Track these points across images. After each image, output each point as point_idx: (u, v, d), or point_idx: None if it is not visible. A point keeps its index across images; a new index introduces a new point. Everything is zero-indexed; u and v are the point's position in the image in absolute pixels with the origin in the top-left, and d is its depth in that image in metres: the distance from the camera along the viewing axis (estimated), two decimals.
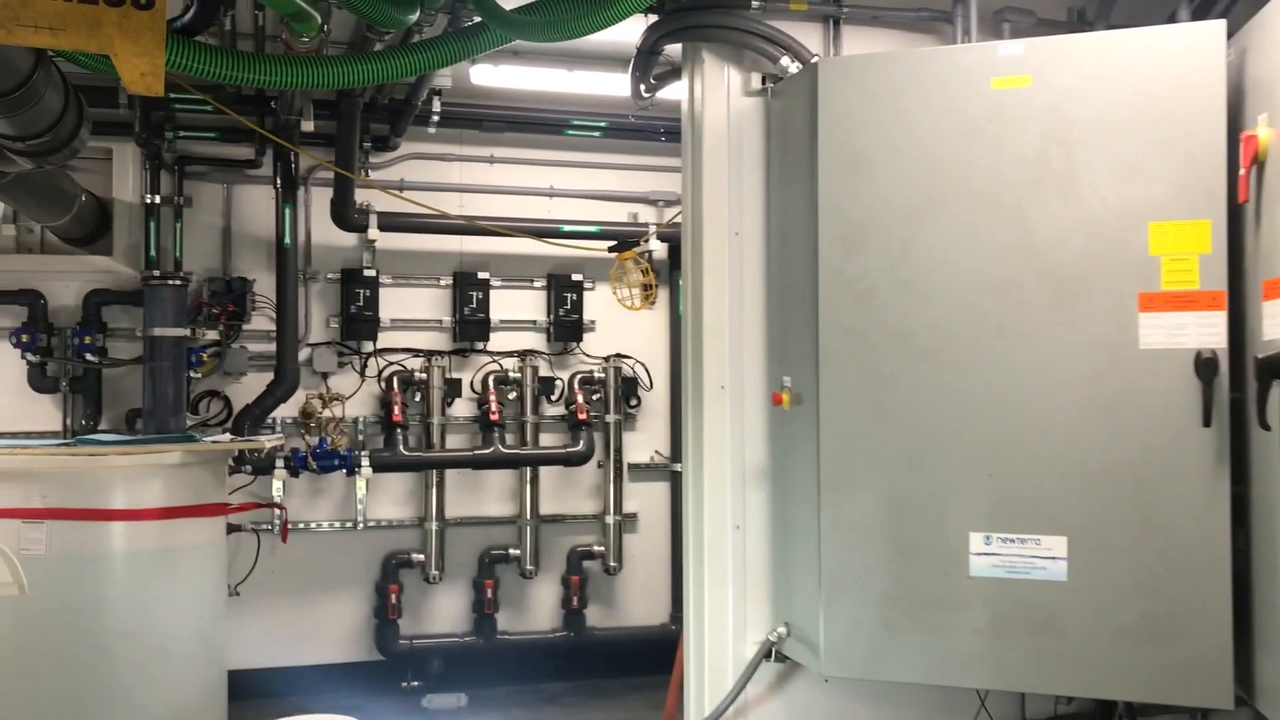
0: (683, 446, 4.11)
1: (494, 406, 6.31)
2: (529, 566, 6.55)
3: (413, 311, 6.49)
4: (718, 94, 3.92)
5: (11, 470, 4.87)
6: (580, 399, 6.49)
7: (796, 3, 3.88)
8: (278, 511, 6.05)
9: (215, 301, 6.09)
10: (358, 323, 6.27)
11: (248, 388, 6.16)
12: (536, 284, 6.67)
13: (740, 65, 3.91)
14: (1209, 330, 3.15)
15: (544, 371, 6.64)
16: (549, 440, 6.63)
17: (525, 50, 5.49)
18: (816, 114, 3.53)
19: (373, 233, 6.10)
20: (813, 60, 3.70)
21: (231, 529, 5.66)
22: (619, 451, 6.69)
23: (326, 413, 6.20)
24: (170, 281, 5.75)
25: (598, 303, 6.68)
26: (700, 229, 3.94)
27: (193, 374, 6.00)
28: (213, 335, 6.07)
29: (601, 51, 5.43)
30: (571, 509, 6.75)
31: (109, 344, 6.02)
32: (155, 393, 5.75)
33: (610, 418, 6.65)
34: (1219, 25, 3.18)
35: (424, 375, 6.38)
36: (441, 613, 6.54)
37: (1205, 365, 3.13)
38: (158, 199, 5.99)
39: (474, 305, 6.43)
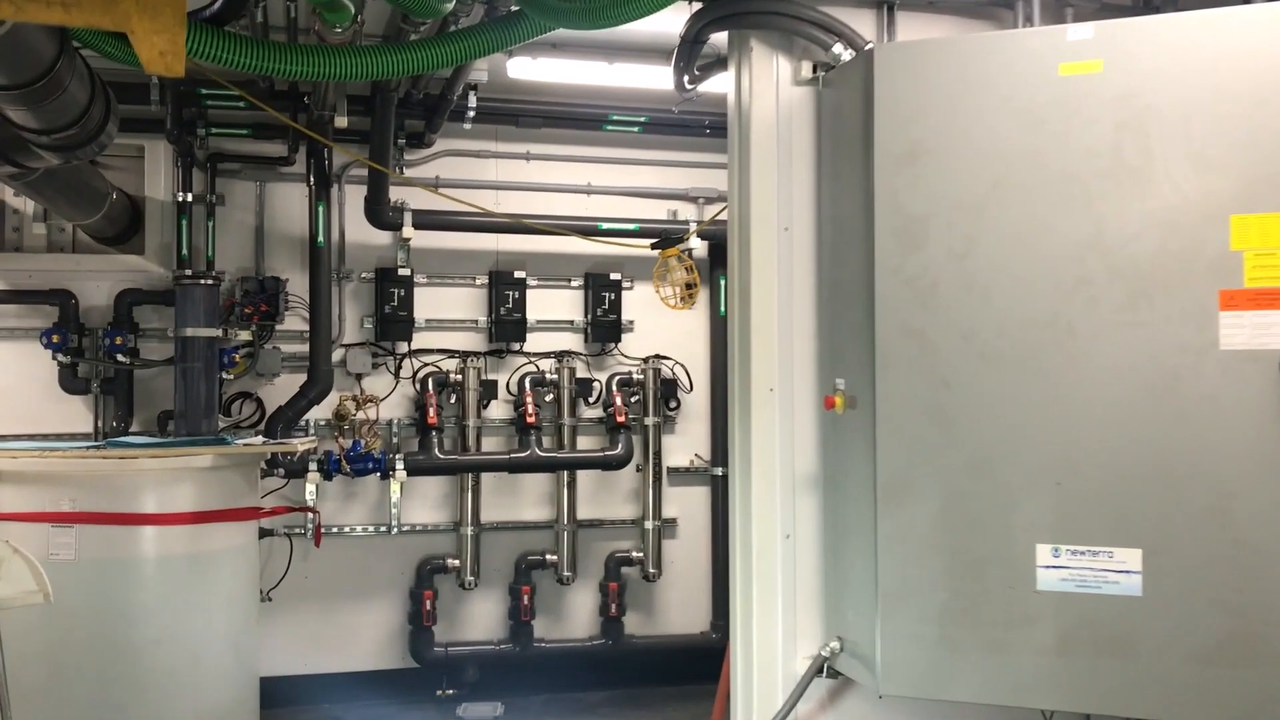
0: (729, 452, 3.94)
1: (530, 409, 6.16)
2: (566, 573, 6.40)
3: (448, 311, 6.36)
4: (766, 83, 3.76)
5: (40, 473, 4.78)
6: (618, 401, 6.33)
7: None
8: (310, 515, 5.94)
9: (248, 301, 5.98)
10: (392, 323, 6.14)
11: (281, 389, 6.05)
12: (574, 283, 6.52)
13: (790, 53, 3.75)
14: None
15: (581, 373, 6.49)
16: (586, 443, 6.48)
17: (564, 42, 5.33)
18: (872, 103, 3.36)
19: (407, 231, 5.97)
20: (867, 47, 3.53)
21: (264, 533, 5.55)
22: (658, 455, 6.53)
23: (360, 415, 6.07)
24: (202, 281, 5.64)
25: (636, 302, 6.52)
26: (748, 225, 3.77)
27: (225, 375, 5.90)
28: (245, 336, 5.97)
29: (643, 43, 5.27)
30: (609, 514, 6.59)
31: (140, 344, 5.93)
32: (187, 394, 5.65)
33: (649, 420, 6.49)
34: None
35: (459, 377, 6.24)
36: (477, 619, 6.41)
37: None
38: (190, 197, 5.88)
39: (510, 305, 6.29)
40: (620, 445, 6.29)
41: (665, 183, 6.59)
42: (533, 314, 6.39)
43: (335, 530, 6.19)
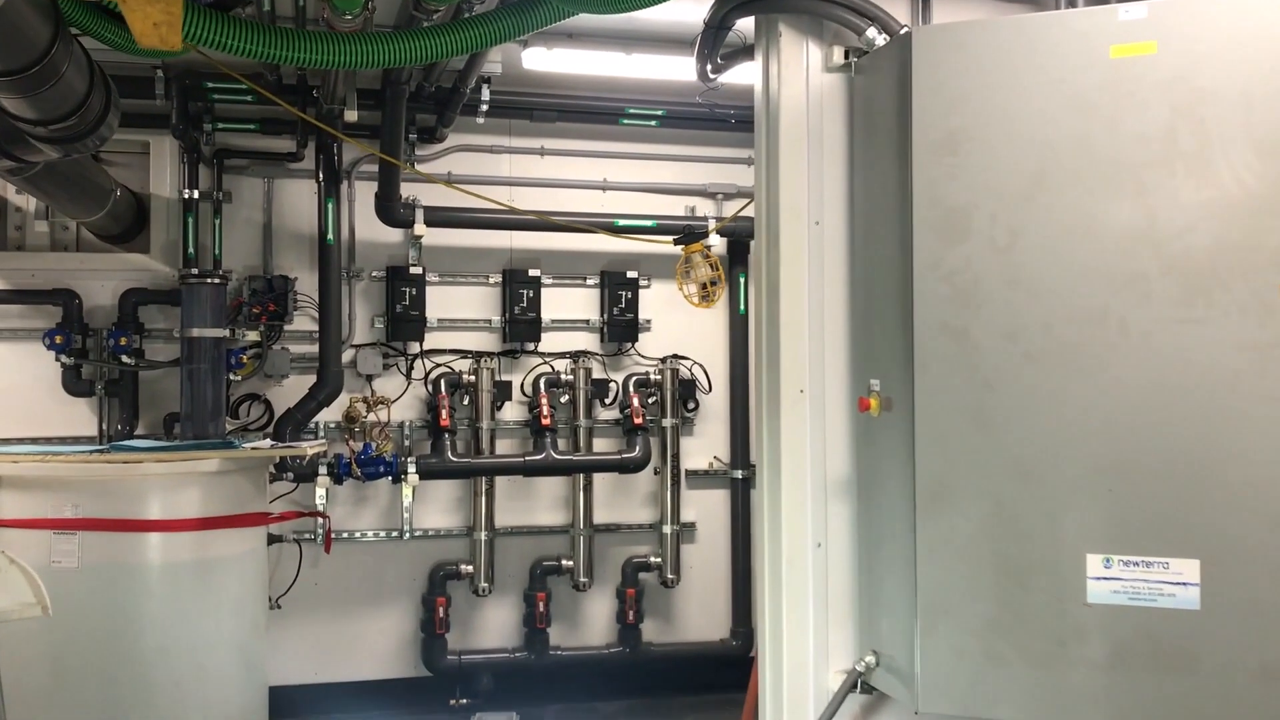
0: (757, 456, 3.78)
1: (545, 410, 6.00)
2: (582, 578, 6.24)
3: (460, 311, 6.20)
4: (795, 70, 3.58)
5: (42, 478, 4.64)
6: (635, 402, 6.16)
7: None
8: (321, 520, 5.79)
9: (255, 301, 5.83)
10: (403, 323, 5.99)
11: (290, 391, 5.90)
12: (589, 281, 6.36)
13: (820, 39, 3.57)
14: None
15: (597, 373, 6.33)
16: (603, 446, 6.32)
17: (580, 31, 5.17)
18: (910, 89, 3.19)
19: (419, 228, 5.81)
20: (903, 31, 3.35)
21: (272, 539, 5.39)
22: (676, 457, 6.36)
23: (371, 417, 5.91)
24: (208, 280, 5.50)
25: (654, 301, 6.36)
26: (776, 219, 3.60)
27: (232, 376, 5.75)
28: (253, 336, 5.83)
29: (661, 32, 5.11)
30: (626, 518, 6.43)
31: (146, 345, 5.79)
32: (193, 396, 5.50)
33: (667, 422, 6.33)
34: None
35: (472, 378, 6.09)
36: (491, 627, 6.25)
37: None
38: (196, 194, 5.74)
39: (524, 304, 6.13)
40: (637, 447, 6.12)
41: (683, 178, 6.42)
42: (547, 313, 6.23)
43: (346, 535, 6.04)
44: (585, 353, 6.31)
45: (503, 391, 6.16)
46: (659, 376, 6.34)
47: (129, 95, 5.38)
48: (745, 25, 3.81)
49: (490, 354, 6.18)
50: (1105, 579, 2.99)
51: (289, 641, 5.90)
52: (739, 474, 6.39)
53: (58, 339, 5.53)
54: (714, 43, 3.96)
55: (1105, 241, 2.99)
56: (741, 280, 6.29)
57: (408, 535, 6.08)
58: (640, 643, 6.33)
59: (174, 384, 5.64)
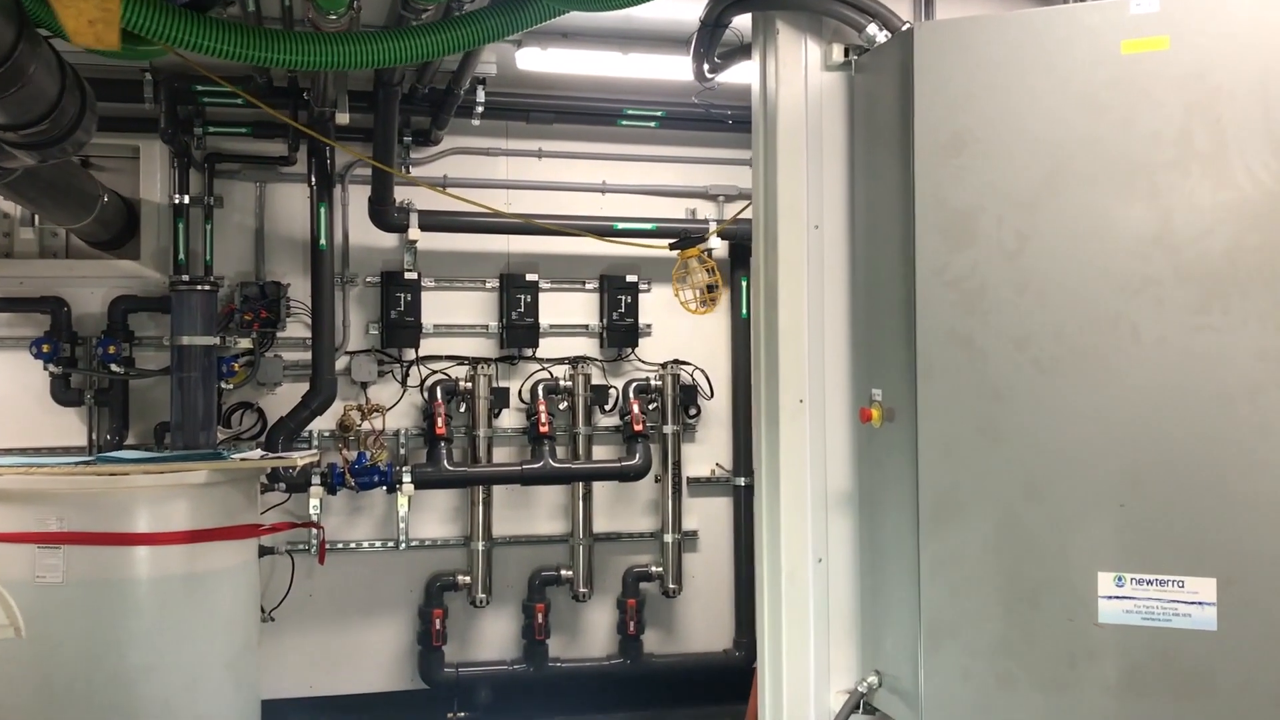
0: (755, 467, 3.66)
1: (544, 418, 5.88)
2: (582, 589, 6.11)
3: (457, 316, 6.08)
4: (794, 69, 3.46)
5: (25, 491, 4.53)
6: (636, 409, 6.04)
7: None
8: (314, 531, 5.67)
9: (248, 307, 5.72)
10: (399, 329, 5.87)
11: (283, 399, 5.79)
12: (588, 286, 6.23)
13: (819, 36, 3.45)
14: None
15: (597, 379, 6.20)
16: (602, 453, 6.19)
17: (576, 31, 5.05)
18: (912, 88, 3.07)
19: (413, 233, 5.69)
20: (904, 27, 3.23)
21: (264, 551, 5.28)
22: (677, 465, 6.24)
23: (366, 425, 5.80)
24: (198, 286, 5.40)
25: (654, 305, 6.23)
26: (774, 222, 3.48)
27: (224, 385, 5.64)
28: (245, 344, 5.72)
29: (659, 31, 4.99)
30: (627, 527, 6.31)
31: (136, 353, 5.68)
32: (184, 405, 5.40)
33: (668, 428, 6.20)
34: None
35: (469, 384, 5.97)
36: (489, 638, 6.13)
37: None
38: (187, 199, 5.62)
39: (522, 309, 6.01)
40: (638, 455, 6.00)
41: (684, 180, 6.30)
42: (546, 318, 6.11)
43: (341, 546, 5.93)
44: (584, 358, 6.18)
45: (500, 398, 6.04)
46: (660, 382, 6.22)
47: (117, 99, 5.34)
48: (743, 23, 3.69)
49: (488, 360, 6.06)
50: (1117, 598, 2.87)
51: (283, 655, 5.79)
52: (742, 481, 6.27)
53: (45, 348, 5.41)
54: (710, 41, 3.84)
55: (1117, 245, 2.87)
56: (744, 284, 6.16)
57: (404, 545, 5.97)
58: (642, 654, 6.21)
59: (165, 393, 5.53)
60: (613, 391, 6.19)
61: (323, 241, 5.62)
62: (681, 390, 6.26)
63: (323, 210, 5.62)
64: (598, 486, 6.19)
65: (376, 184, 5.60)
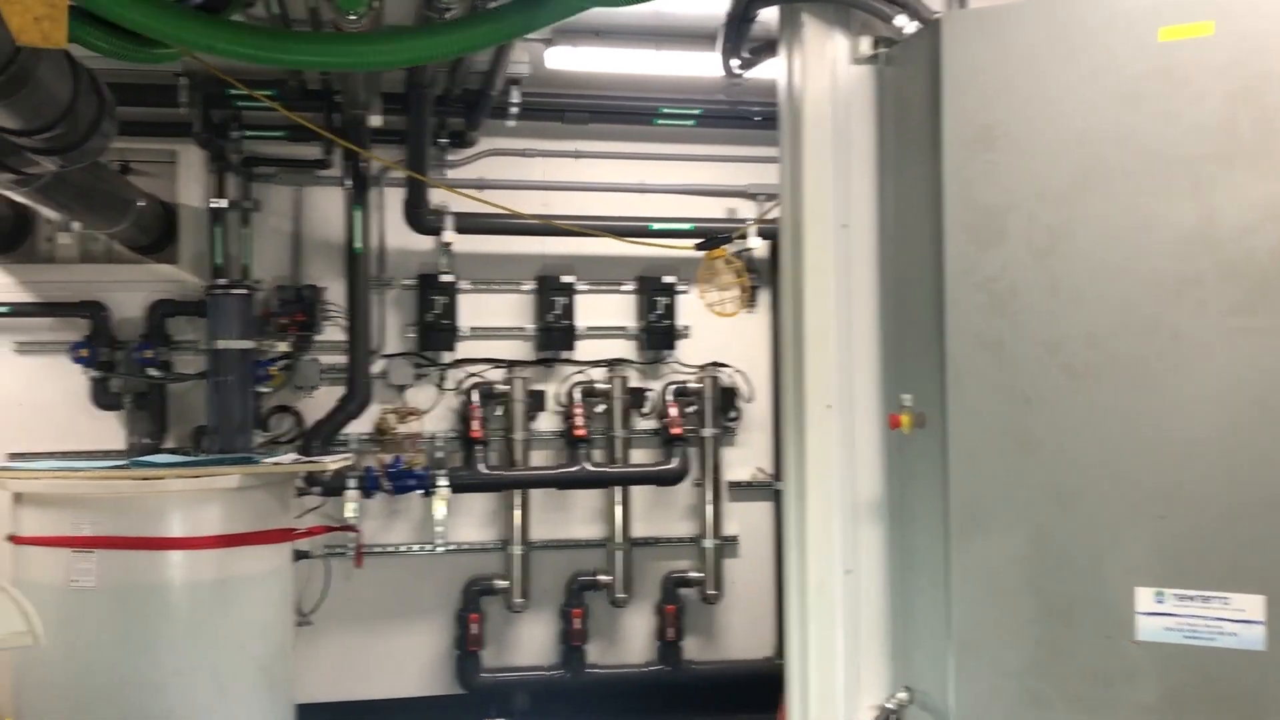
0: (783, 475, 3.55)
1: (580, 421, 5.81)
2: (620, 594, 6.04)
3: (493, 319, 6.04)
4: (821, 63, 3.35)
5: (60, 495, 4.56)
6: (674, 412, 5.95)
7: None
8: (352, 535, 5.65)
9: (284, 311, 5.72)
10: (435, 332, 5.84)
11: (320, 402, 5.78)
12: (625, 288, 6.15)
13: (847, 29, 3.33)
14: None
15: (634, 382, 6.12)
16: (640, 457, 6.11)
17: (607, 28, 4.97)
18: (940, 80, 2.95)
19: (449, 235, 5.65)
20: (934, 18, 3.10)
21: (300, 555, 5.26)
22: (717, 469, 6.14)
23: (402, 428, 5.77)
24: (234, 290, 5.41)
25: (692, 307, 6.12)
26: (801, 222, 3.37)
27: (261, 388, 5.64)
28: (282, 347, 5.71)
29: (692, 27, 4.89)
30: (665, 531, 6.22)
31: (175, 357, 5.71)
32: (220, 409, 5.41)
33: (707, 432, 6.10)
34: None
35: (506, 387, 5.92)
36: (526, 643, 6.08)
37: None
38: (224, 203, 5.63)
39: (558, 312, 5.94)
40: (676, 459, 5.91)
41: (723, 179, 6.20)
42: (582, 320, 6.04)
43: (378, 549, 5.91)
44: (621, 361, 6.11)
45: (536, 401, 5.98)
46: (698, 385, 6.12)
47: (153, 103, 5.36)
48: (771, 16, 3.58)
49: (524, 363, 6.01)
50: (1157, 615, 2.72)
51: (320, 659, 5.78)
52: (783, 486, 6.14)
53: (83, 352, 5.46)
54: (738, 35, 3.75)
55: (1156, 244, 2.72)
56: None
57: (441, 549, 5.93)
58: (681, 661, 6.12)
59: (203, 396, 5.55)
60: (650, 394, 6.11)
61: (358, 244, 5.60)
62: (721, 393, 6.16)
63: (358, 213, 5.60)
64: (636, 490, 6.11)
65: (411, 187, 5.57)
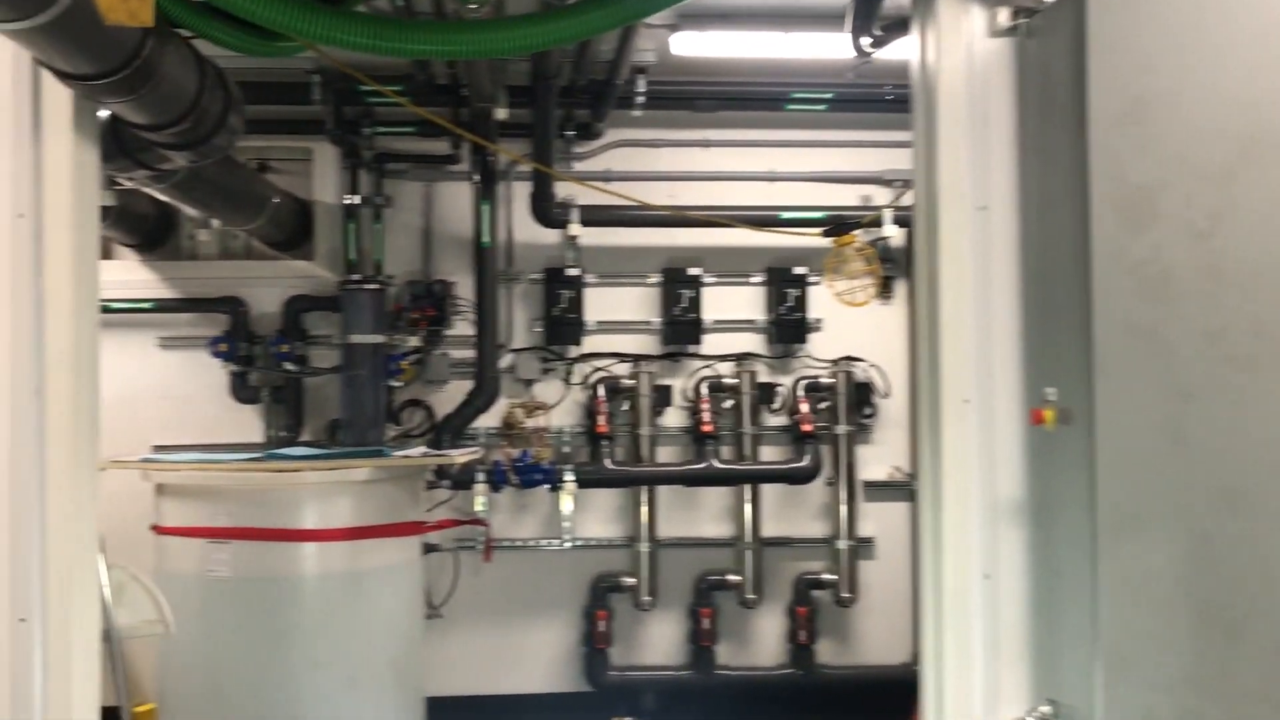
0: (918, 473, 3.37)
1: (707, 417, 5.69)
2: (750, 594, 5.89)
3: (619, 313, 5.97)
4: (956, 38, 3.15)
5: (197, 487, 4.67)
6: (805, 408, 5.78)
7: None
8: (480, 528, 5.66)
9: (415, 306, 5.76)
10: (561, 326, 5.80)
11: (451, 396, 5.81)
12: (754, 279, 6.00)
13: (984, 0, 3.13)
14: None
15: (763, 377, 5.97)
16: (770, 454, 5.96)
17: (733, 11, 4.83)
18: (1086, 50, 2.73)
19: (574, 228, 5.60)
20: None
21: (430, 548, 5.28)
22: (851, 467, 5.94)
23: (529, 423, 5.75)
24: (366, 286, 5.47)
25: (824, 299, 5.88)
26: (935, 205, 3.18)
27: (393, 382, 5.69)
28: (413, 342, 5.75)
29: (822, 7, 4.70)
30: (797, 531, 6.05)
31: (310, 352, 5.80)
32: (353, 402, 5.49)
33: (840, 429, 5.91)
34: None
35: (632, 382, 5.84)
36: (654, 642, 5.99)
37: None
38: (357, 199, 5.70)
39: (685, 305, 5.84)
40: (807, 456, 5.73)
41: (856, 165, 5.99)
42: (709, 314, 5.91)
43: (507, 544, 5.90)
44: (750, 355, 5.96)
45: (663, 396, 5.89)
46: (831, 380, 5.93)
47: (288, 101, 5.45)
48: None
49: (650, 357, 5.92)
50: None
51: (450, 652, 5.81)
52: None
53: (222, 346, 5.59)
54: (868, 13, 3.59)
55: None
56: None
57: (568, 545, 5.89)
58: (813, 664, 5.94)
59: (337, 391, 5.63)
60: (780, 389, 5.95)
61: (486, 239, 5.59)
62: (855, 388, 5.96)
63: (485, 208, 5.60)
64: (766, 489, 5.96)
65: (538, 180, 5.54)
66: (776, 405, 5.94)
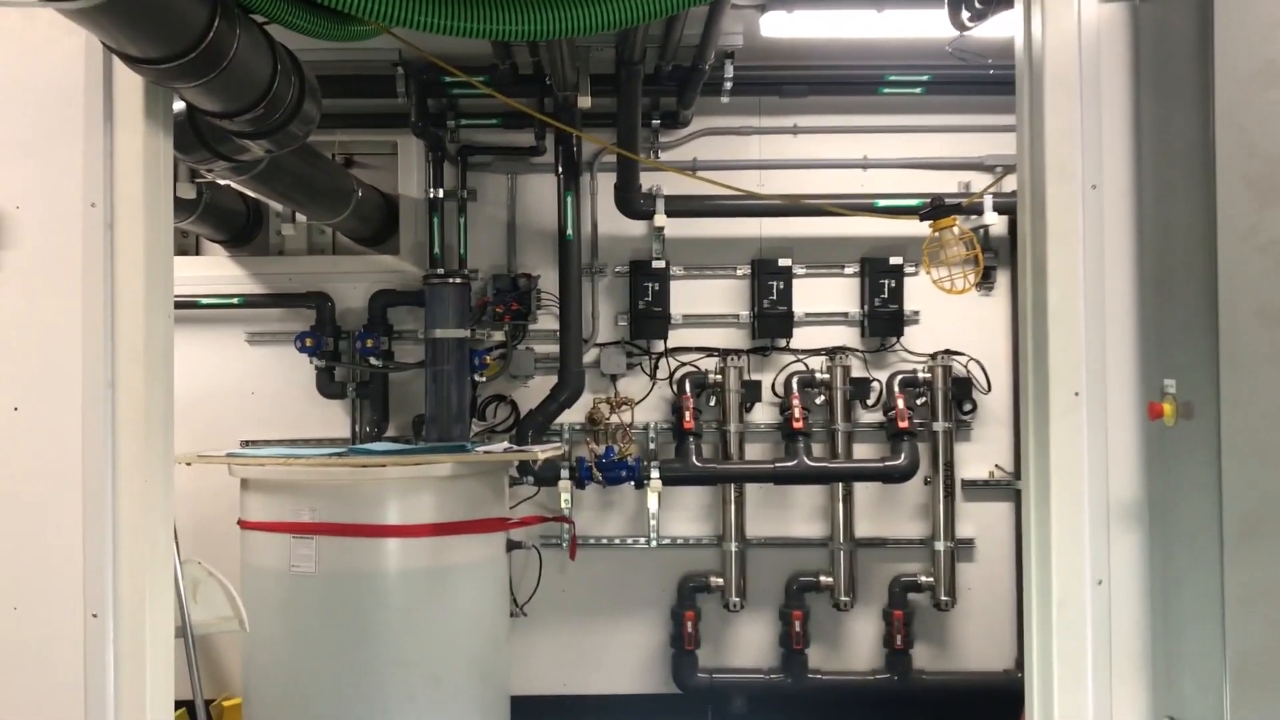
0: (1023, 472, 3.15)
1: (797, 413, 5.49)
2: (843, 597, 5.68)
3: (706, 306, 5.80)
4: (1064, 4, 2.94)
5: (281, 482, 4.64)
6: (901, 404, 5.54)
7: None
8: (566, 526, 5.56)
9: (499, 300, 5.67)
10: (646, 320, 5.65)
11: (535, 391, 5.71)
12: (848, 270, 5.78)
13: None
14: None
15: (857, 372, 5.75)
16: (864, 451, 5.73)
17: None
18: (1212, 7, 2.50)
19: (659, 219, 5.45)
20: None
21: (513, 545, 5.19)
22: (949, 466, 5.68)
23: (614, 418, 5.62)
24: (450, 280, 5.39)
25: (921, 290, 5.68)
26: (1042, 184, 2.97)
27: (478, 377, 5.61)
28: (498, 336, 5.67)
29: None
30: (892, 532, 5.81)
31: (395, 347, 5.75)
32: (437, 397, 5.42)
33: (938, 425, 5.66)
34: None
35: (719, 377, 5.67)
36: (744, 645, 5.82)
37: None
38: (441, 193, 5.64)
39: (774, 297, 5.64)
40: (903, 454, 5.50)
41: (955, 150, 5.74)
42: (800, 306, 5.71)
43: (592, 541, 5.78)
44: (843, 349, 5.74)
45: (751, 392, 5.70)
46: (928, 375, 5.69)
47: (372, 95, 5.41)
48: None
49: (738, 352, 5.74)
50: None
51: (536, 651, 5.73)
52: None
53: (308, 341, 5.57)
54: None
55: None
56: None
57: (654, 543, 5.75)
58: (910, 670, 5.71)
59: (423, 386, 5.57)
60: (875, 385, 5.72)
61: (569, 232, 5.48)
62: (954, 384, 5.71)
63: (569, 199, 5.49)
64: (859, 488, 5.74)
65: (622, 170, 5.41)
66: (871, 401, 5.71)
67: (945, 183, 5.69)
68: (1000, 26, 3.46)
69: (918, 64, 5.43)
